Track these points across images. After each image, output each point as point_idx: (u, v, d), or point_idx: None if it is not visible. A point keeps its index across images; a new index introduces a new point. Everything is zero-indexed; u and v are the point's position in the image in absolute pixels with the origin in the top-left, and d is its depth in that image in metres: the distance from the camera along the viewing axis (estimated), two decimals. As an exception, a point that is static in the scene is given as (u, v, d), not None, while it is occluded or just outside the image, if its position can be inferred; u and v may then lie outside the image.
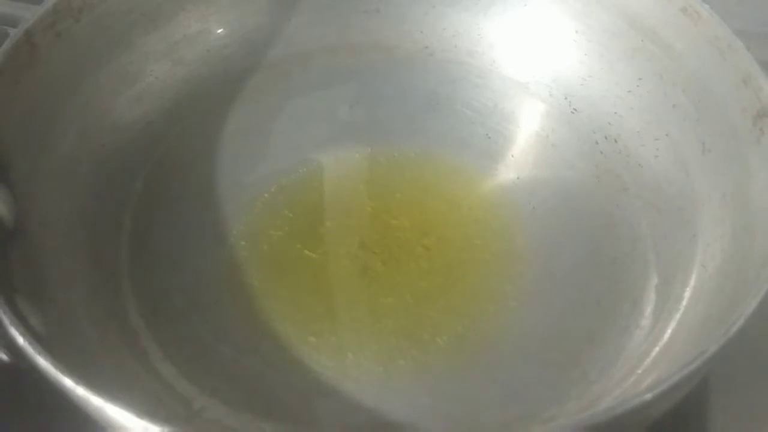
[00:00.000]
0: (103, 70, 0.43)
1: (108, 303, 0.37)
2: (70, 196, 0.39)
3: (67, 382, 0.26)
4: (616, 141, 0.43)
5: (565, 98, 0.45)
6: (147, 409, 0.25)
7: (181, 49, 0.46)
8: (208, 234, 0.41)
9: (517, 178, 0.43)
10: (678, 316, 0.35)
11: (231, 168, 0.44)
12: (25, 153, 0.37)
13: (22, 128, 0.37)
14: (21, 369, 0.29)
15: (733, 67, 0.38)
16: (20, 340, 0.27)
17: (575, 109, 0.45)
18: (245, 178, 0.43)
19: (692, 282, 0.36)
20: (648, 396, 0.26)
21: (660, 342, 0.35)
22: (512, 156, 0.44)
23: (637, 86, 0.43)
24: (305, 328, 0.38)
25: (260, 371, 0.36)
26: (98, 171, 0.41)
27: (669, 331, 0.35)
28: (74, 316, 0.35)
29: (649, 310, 0.37)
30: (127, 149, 0.43)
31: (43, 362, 0.27)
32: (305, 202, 0.43)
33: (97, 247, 0.38)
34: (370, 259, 0.40)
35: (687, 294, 0.36)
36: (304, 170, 0.44)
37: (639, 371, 0.34)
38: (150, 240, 0.40)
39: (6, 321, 0.28)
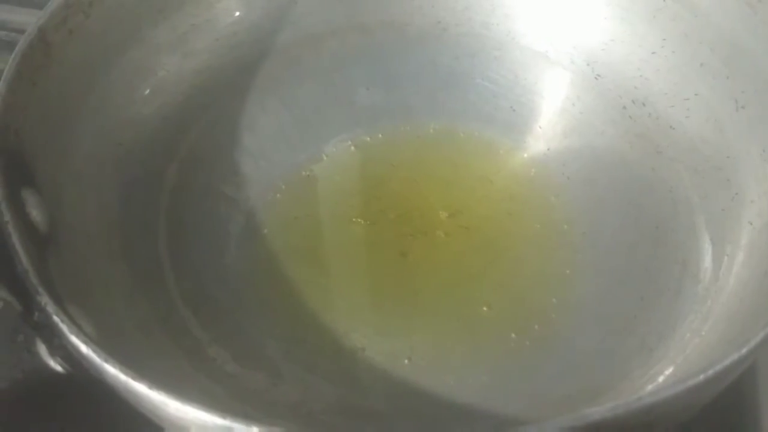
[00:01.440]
0: (116, 65, 0.41)
1: (150, 304, 0.35)
2: (97, 198, 0.37)
3: (140, 388, 0.25)
4: (644, 104, 0.42)
5: (588, 65, 0.44)
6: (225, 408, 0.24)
7: (190, 40, 0.45)
8: (240, 227, 0.40)
9: (548, 149, 0.43)
10: (733, 275, 0.35)
11: (254, 159, 0.43)
12: (48, 157, 0.36)
13: (42, 132, 0.36)
14: (75, 379, 0.28)
15: (763, 20, 0.37)
16: (83, 349, 0.26)
17: (599, 75, 0.44)
18: (269, 168, 0.42)
19: (743, 240, 0.36)
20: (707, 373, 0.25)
21: (718, 303, 0.34)
22: (540, 127, 0.44)
23: (662, 47, 0.42)
24: (351, 316, 0.37)
25: (312, 362, 0.35)
26: (121, 172, 0.39)
27: (727, 291, 0.34)
28: (119, 320, 0.34)
29: (701, 271, 0.36)
30: (147, 147, 0.41)
31: (112, 370, 0.26)
32: (333, 189, 0.42)
33: (131, 248, 0.37)
34: (407, 243, 0.40)
35: (740, 253, 0.35)
36: (328, 156, 0.43)
37: (702, 333, 0.34)
38: (183, 237, 0.39)
39: (65, 330, 0.27)
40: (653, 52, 0.43)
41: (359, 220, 0.41)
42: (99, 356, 0.26)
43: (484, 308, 0.37)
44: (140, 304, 0.35)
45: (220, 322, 0.36)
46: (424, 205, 0.41)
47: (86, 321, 0.30)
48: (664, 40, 0.42)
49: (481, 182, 0.42)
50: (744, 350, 0.26)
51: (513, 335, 0.36)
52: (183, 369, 0.33)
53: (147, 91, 0.43)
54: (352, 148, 0.43)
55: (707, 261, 0.37)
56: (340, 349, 0.35)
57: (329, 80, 0.46)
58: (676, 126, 0.41)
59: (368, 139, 0.44)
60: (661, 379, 0.32)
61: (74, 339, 0.26)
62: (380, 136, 0.44)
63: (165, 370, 0.33)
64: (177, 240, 0.38)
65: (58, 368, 0.28)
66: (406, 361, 0.35)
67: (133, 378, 0.25)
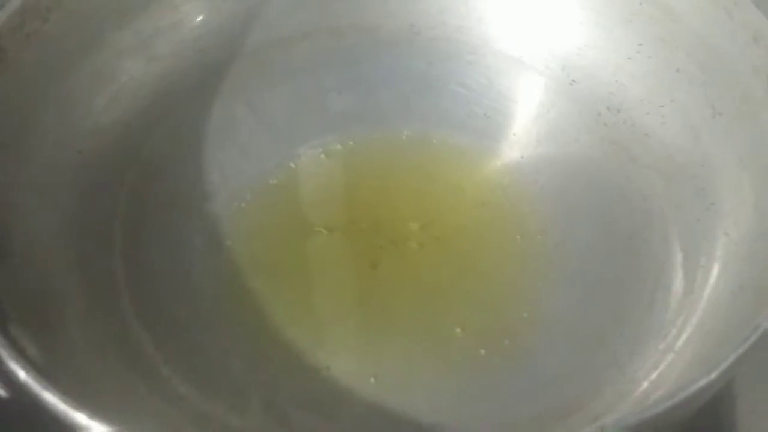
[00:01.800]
0: (76, 71, 0.40)
1: (106, 322, 0.34)
2: (54, 209, 0.36)
3: (80, 418, 0.24)
4: (619, 111, 0.42)
5: (563, 70, 0.43)
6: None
7: (154, 44, 0.43)
8: (202, 239, 0.39)
9: (522, 157, 0.42)
10: (708, 288, 0.34)
11: (219, 167, 0.41)
12: (3, 166, 0.35)
13: (-4, 140, 0.35)
14: (22, 404, 0.27)
15: (740, 25, 0.36)
16: (21, 375, 0.25)
17: (574, 81, 0.43)
18: (235, 176, 0.41)
19: (718, 252, 0.35)
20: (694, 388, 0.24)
21: (693, 317, 0.33)
22: (514, 134, 0.43)
23: (638, 52, 0.41)
24: (317, 332, 0.36)
25: (276, 382, 0.34)
26: (80, 181, 0.38)
27: (701, 305, 0.34)
28: (71, 339, 0.32)
29: (675, 284, 0.35)
30: (108, 154, 0.40)
31: (51, 398, 0.24)
32: (301, 199, 0.41)
33: (88, 262, 0.36)
34: (376, 254, 0.38)
35: (715, 265, 0.34)
36: (296, 164, 0.42)
37: (675, 349, 0.33)
38: (143, 251, 0.37)
39: (4, 354, 0.25)
40: (629, 57, 0.42)
41: (328, 230, 0.39)
42: (39, 384, 0.25)
43: (453, 323, 0.36)
44: (93, 321, 0.34)
45: (178, 339, 0.35)
46: (395, 215, 0.40)
47: (31, 342, 0.29)
48: (640, 45, 0.41)
49: (453, 191, 0.41)
50: (714, 375, 0.25)
51: (482, 352, 0.35)
52: (137, 390, 0.32)
53: (109, 97, 0.41)
54: (322, 155, 0.42)
55: (681, 273, 0.36)
56: (304, 368, 0.34)
57: (299, 85, 0.45)
58: (651, 133, 0.40)
59: (339, 146, 0.43)
60: (633, 397, 0.31)
61: (12, 365, 0.25)
62: (351, 143, 0.43)
63: (117, 392, 0.32)
64: (134, 252, 0.37)
65: (1, 393, 0.27)
66: (372, 380, 0.34)
67: (73, 407, 0.24)
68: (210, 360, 0.34)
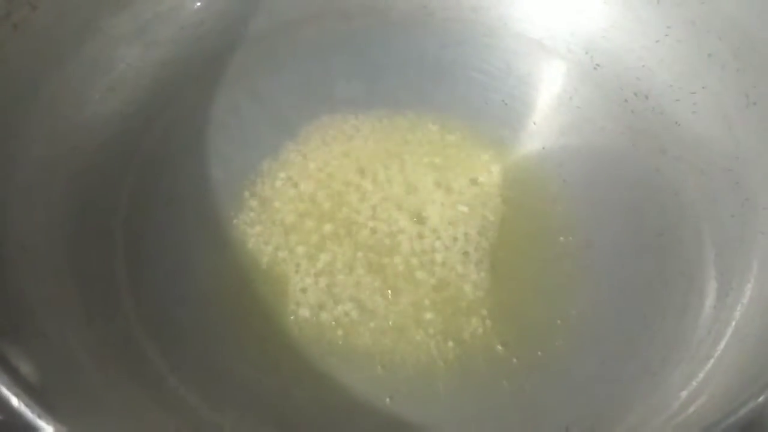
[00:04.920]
0: (69, 61, 0.38)
1: (107, 330, 0.32)
2: (49, 210, 0.34)
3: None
4: (647, 97, 0.39)
5: (586, 53, 0.41)
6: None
7: (152, 30, 0.41)
8: (206, 237, 0.37)
9: (543, 148, 0.39)
10: (747, 291, 0.32)
11: (222, 160, 0.39)
12: (-10, 166, 0.32)
13: (-17, 139, 0.32)
14: (16, 426, 0.25)
15: (779, 8, 0.34)
16: (14, 402, 0.23)
17: (598, 65, 0.41)
18: (239, 171, 0.39)
19: (754, 250, 0.33)
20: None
21: (730, 322, 0.31)
22: (534, 123, 0.40)
23: (666, 35, 0.39)
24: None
25: (285, 390, 0.32)
26: (76, 179, 0.36)
27: (738, 309, 0.31)
28: (69, 349, 0.31)
29: (708, 286, 0.33)
30: (105, 149, 0.38)
31: (44, 425, 0.22)
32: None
33: (86, 265, 0.34)
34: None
35: (753, 265, 0.32)
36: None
37: (713, 358, 0.31)
38: (143, 251, 0.35)
39: (-7, 380, 0.23)
40: (657, 41, 0.39)
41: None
42: (32, 411, 0.23)
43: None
44: (92, 330, 0.32)
45: (183, 347, 0.33)
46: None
47: (27, 359, 0.27)
48: (669, 27, 0.39)
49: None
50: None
51: (506, 360, 0.33)
52: (139, 402, 0.30)
53: (105, 88, 0.39)
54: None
55: (714, 274, 0.34)
56: (314, 376, 0.32)
57: (305, 71, 0.43)
58: (682, 122, 0.38)
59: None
60: (668, 413, 0.29)
61: (4, 391, 0.23)
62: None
63: (118, 404, 0.30)
64: (136, 254, 0.35)
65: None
66: (387, 400, 0.32)
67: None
68: (216, 368, 0.32)
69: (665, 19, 0.39)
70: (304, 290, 0.35)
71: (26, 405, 0.23)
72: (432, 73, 0.42)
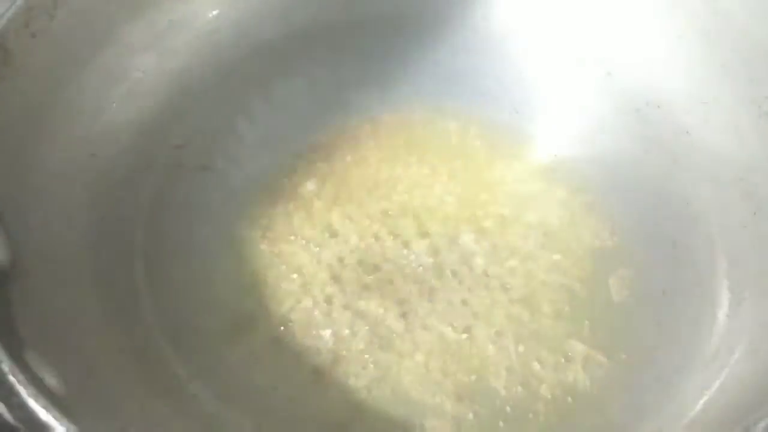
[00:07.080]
0: (85, 70, 0.38)
1: (124, 337, 0.33)
2: (67, 218, 0.34)
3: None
4: (659, 107, 0.39)
5: (598, 62, 0.41)
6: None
7: (168, 38, 0.41)
8: (224, 244, 0.37)
9: (554, 156, 0.40)
10: (760, 301, 0.32)
11: (241, 168, 0.40)
12: (8, 176, 0.33)
13: (2, 147, 0.33)
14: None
15: (791, 20, 0.34)
16: (42, 415, 0.23)
17: (610, 74, 0.41)
18: (259, 177, 0.39)
19: (767, 262, 0.33)
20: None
21: (744, 332, 0.32)
22: (545, 131, 0.40)
23: (678, 45, 0.39)
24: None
25: (300, 399, 0.33)
26: (94, 187, 0.36)
27: (752, 319, 0.32)
28: (89, 358, 0.31)
29: (722, 296, 0.33)
30: (122, 157, 0.38)
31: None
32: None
33: (106, 273, 0.34)
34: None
35: (764, 276, 0.32)
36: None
37: (727, 368, 0.31)
38: (163, 259, 0.36)
39: (21, 392, 0.24)
40: (669, 50, 0.40)
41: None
42: (61, 423, 0.23)
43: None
44: (113, 338, 0.32)
45: (203, 354, 0.33)
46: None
47: (49, 369, 0.27)
48: (681, 37, 0.39)
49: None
50: None
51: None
52: (158, 409, 0.31)
53: (122, 96, 0.39)
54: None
55: (726, 284, 0.34)
56: (329, 387, 0.33)
57: (319, 81, 0.43)
58: (694, 132, 0.38)
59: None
60: (682, 422, 0.30)
61: (32, 403, 0.23)
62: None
63: (137, 411, 0.30)
64: (156, 262, 0.35)
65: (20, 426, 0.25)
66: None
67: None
68: (235, 375, 0.33)
69: (677, 29, 0.39)
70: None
71: (48, 411, 0.23)
72: (443, 82, 0.42)
